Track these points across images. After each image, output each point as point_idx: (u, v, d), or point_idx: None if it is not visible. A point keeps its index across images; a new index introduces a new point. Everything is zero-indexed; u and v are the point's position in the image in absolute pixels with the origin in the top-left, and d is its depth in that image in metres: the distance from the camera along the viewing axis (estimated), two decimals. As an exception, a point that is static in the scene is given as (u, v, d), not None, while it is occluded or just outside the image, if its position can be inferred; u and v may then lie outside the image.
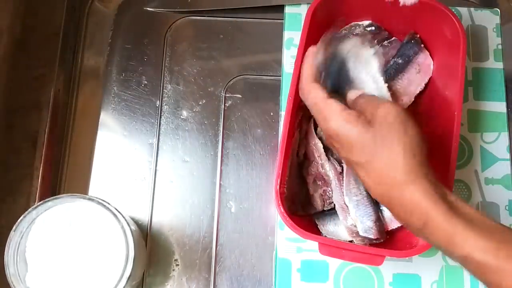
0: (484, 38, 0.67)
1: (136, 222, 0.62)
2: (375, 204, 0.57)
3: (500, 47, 0.66)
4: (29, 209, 0.50)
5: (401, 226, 0.57)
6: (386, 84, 0.52)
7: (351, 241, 0.56)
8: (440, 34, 0.60)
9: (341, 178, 0.58)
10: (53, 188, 0.64)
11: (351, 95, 0.50)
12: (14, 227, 0.49)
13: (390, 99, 0.52)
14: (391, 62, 0.62)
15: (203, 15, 0.71)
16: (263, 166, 0.65)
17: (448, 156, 0.53)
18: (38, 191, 0.62)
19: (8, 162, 0.63)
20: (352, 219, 0.56)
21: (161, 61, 0.69)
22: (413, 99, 0.62)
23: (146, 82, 0.68)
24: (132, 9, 0.71)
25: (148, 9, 0.71)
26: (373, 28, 0.64)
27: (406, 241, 0.55)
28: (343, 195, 0.57)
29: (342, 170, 0.58)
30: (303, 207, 0.59)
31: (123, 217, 0.50)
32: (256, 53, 0.69)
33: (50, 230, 0.51)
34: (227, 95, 0.67)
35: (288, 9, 0.68)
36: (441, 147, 0.54)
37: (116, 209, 0.51)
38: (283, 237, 0.60)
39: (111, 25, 0.70)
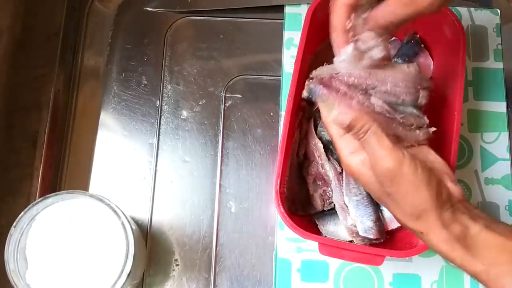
0: (484, 38, 0.67)
1: (136, 222, 0.62)
2: (375, 204, 0.57)
3: (500, 47, 0.66)
4: (30, 206, 0.50)
5: (401, 226, 0.57)
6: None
7: (351, 241, 0.56)
8: (440, 34, 0.60)
9: (341, 178, 0.58)
10: (53, 188, 0.64)
11: None
12: (14, 224, 0.49)
13: None
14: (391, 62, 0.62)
15: (203, 15, 0.71)
16: (263, 166, 0.65)
17: (448, 156, 0.53)
18: (38, 191, 0.62)
19: (8, 162, 0.63)
20: (352, 219, 0.56)
21: (161, 61, 0.69)
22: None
23: (146, 82, 0.68)
24: (132, 9, 0.71)
25: (148, 9, 0.71)
26: (373, 28, 0.64)
27: (406, 241, 0.55)
28: (343, 195, 0.57)
29: (342, 170, 0.58)
30: (303, 207, 0.59)
31: (123, 213, 0.50)
32: (256, 53, 0.69)
33: (50, 226, 0.51)
34: (227, 95, 0.67)
35: (288, 9, 0.68)
36: (441, 147, 0.54)
37: (116, 206, 0.51)
38: (283, 237, 0.60)
39: (111, 25, 0.70)
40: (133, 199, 0.64)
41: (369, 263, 0.52)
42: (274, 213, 0.62)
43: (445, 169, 0.45)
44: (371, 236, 0.55)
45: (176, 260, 0.62)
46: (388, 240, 0.57)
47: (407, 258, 0.59)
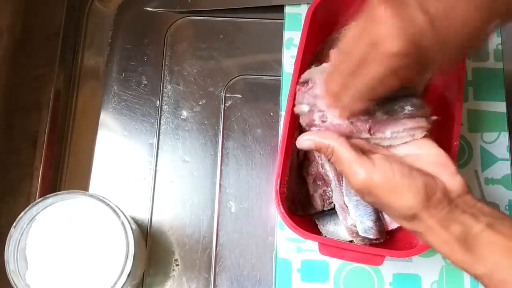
0: (484, 38, 0.67)
1: (136, 222, 0.62)
2: (375, 204, 0.57)
3: (500, 47, 0.66)
4: (30, 206, 0.50)
5: (401, 226, 0.57)
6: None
7: (351, 241, 0.56)
8: (440, 34, 0.60)
9: (340, 178, 0.58)
10: (53, 188, 0.64)
11: None
12: (14, 224, 0.49)
13: None
14: None
15: (203, 15, 0.71)
16: (263, 166, 0.65)
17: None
18: (38, 191, 0.62)
19: (8, 162, 0.63)
20: (352, 219, 0.56)
21: (161, 61, 0.69)
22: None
23: (146, 82, 0.68)
24: (132, 9, 0.71)
25: (148, 9, 0.71)
26: (373, 28, 0.64)
27: (406, 241, 0.55)
28: (343, 195, 0.57)
29: (342, 170, 0.58)
30: (303, 207, 0.59)
31: (123, 213, 0.50)
32: (256, 53, 0.69)
33: (50, 227, 0.51)
34: (227, 95, 0.67)
35: (288, 9, 0.68)
36: (441, 147, 0.54)
37: (116, 206, 0.51)
38: (283, 237, 0.60)
39: (111, 25, 0.70)
40: (133, 199, 0.64)
41: (369, 263, 0.52)
42: (274, 213, 0.62)
43: (442, 160, 0.44)
44: (371, 236, 0.55)
45: (176, 260, 0.62)
46: (388, 240, 0.57)
47: (407, 258, 0.59)
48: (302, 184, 0.60)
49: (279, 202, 0.52)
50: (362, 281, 0.58)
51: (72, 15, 0.69)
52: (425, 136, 0.46)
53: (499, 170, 0.62)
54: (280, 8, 0.68)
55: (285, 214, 0.52)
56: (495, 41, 0.66)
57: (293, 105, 0.55)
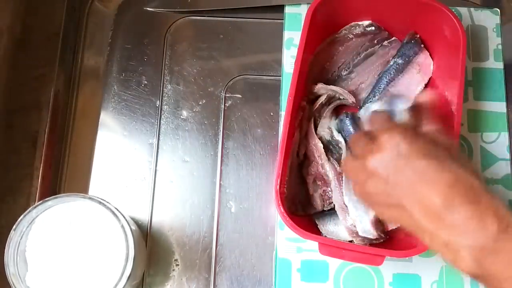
0: (484, 38, 0.67)
1: (136, 222, 0.62)
2: (375, 204, 0.57)
3: (500, 47, 0.66)
4: (29, 209, 0.50)
5: (401, 226, 0.57)
6: None
7: (351, 241, 0.56)
8: (440, 34, 0.60)
9: (340, 178, 0.58)
10: (53, 188, 0.64)
11: None
12: (14, 227, 0.49)
13: None
14: (391, 62, 0.62)
15: (203, 15, 0.71)
16: (263, 166, 0.65)
17: (448, 156, 0.53)
18: (38, 191, 0.62)
19: (8, 162, 0.63)
20: (351, 219, 0.56)
21: (161, 61, 0.69)
22: (413, 99, 0.61)
23: (146, 82, 0.68)
24: (132, 9, 0.71)
25: (148, 9, 0.71)
26: (373, 28, 0.64)
27: (406, 241, 0.55)
28: (343, 195, 0.57)
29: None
30: (303, 207, 0.59)
31: (123, 216, 0.50)
32: (256, 53, 0.69)
33: (50, 229, 0.51)
34: (227, 95, 0.67)
35: (288, 9, 0.68)
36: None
37: (116, 208, 0.51)
38: (283, 237, 0.60)
39: (111, 25, 0.70)
40: (133, 199, 0.64)
41: (369, 263, 0.52)
42: (274, 213, 0.62)
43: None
44: (371, 236, 0.55)
45: (176, 260, 0.62)
46: (388, 240, 0.57)
47: (407, 258, 0.59)
48: (302, 184, 0.60)
49: (279, 202, 0.52)
50: (362, 281, 0.58)
51: (72, 15, 0.69)
52: None
53: (499, 170, 0.62)
54: (280, 8, 0.68)
55: (285, 214, 0.52)
56: (495, 41, 0.67)
57: (293, 106, 0.55)
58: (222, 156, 0.65)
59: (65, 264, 0.50)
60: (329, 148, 0.60)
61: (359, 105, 0.63)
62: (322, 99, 0.60)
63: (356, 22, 0.64)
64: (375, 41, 0.64)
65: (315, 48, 0.63)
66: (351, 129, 0.59)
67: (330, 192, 0.58)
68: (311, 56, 0.62)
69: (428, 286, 0.58)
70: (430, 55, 0.63)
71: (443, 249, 0.41)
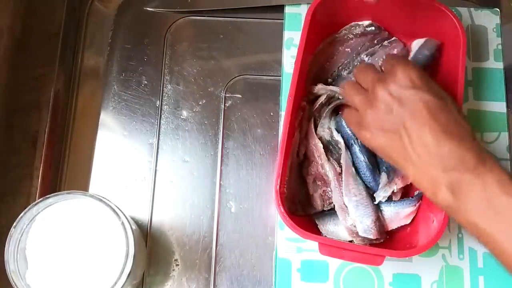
0: (484, 38, 0.67)
1: (136, 222, 0.62)
2: (375, 204, 0.57)
3: (500, 47, 0.66)
4: (30, 206, 0.50)
5: (401, 226, 0.57)
6: None
7: (351, 241, 0.56)
8: (440, 34, 0.60)
9: (340, 179, 0.58)
10: (53, 188, 0.64)
11: None
12: (14, 224, 0.49)
13: None
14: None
15: (203, 15, 0.71)
16: (263, 166, 0.65)
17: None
18: (38, 191, 0.62)
19: (8, 162, 0.63)
20: (351, 219, 0.56)
21: (161, 61, 0.69)
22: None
23: (146, 82, 0.68)
24: (132, 9, 0.71)
25: (148, 9, 0.71)
26: (373, 28, 0.64)
27: (406, 241, 0.55)
28: (343, 195, 0.57)
29: (341, 170, 0.58)
30: (303, 207, 0.59)
31: (123, 214, 0.50)
32: (256, 53, 0.69)
33: (51, 227, 0.51)
34: (227, 95, 0.67)
35: (288, 9, 0.68)
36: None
37: (116, 206, 0.51)
38: (283, 237, 0.60)
39: (111, 25, 0.70)
40: (133, 199, 0.64)
41: (369, 263, 0.52)
42: (274, 213, 0.62)
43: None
44: (371, 236, 0.55)
45: (176, 260, 0.62)
46: (388, 240, 0.57)
47: (407, 258, 0.59)
48: (302, 184, 0.60)
49: (279, 202, 0.52)
50: (362, 281, 0.58)
51: (72, 15, 0.69)
52: None
53: (499, 170, 0.62)
54: (280, 8, 0.68)
55: (285, 214, 0.52)
56: (495, 41, 0.66)
57: (293, 106, 0.55)
58: (222, 156, 0.65)
59: (65, 261, 0.50)
60: (329, 148, 0.60)
61: (359, 105, 0.63)
62: (322, 99, 0.60)
63: (356, 22, 0.64)
64: (375, 41, 0.64)
65: (315, 48, 0.63)
66: (348, 130, 0.58)
67: (330, 192, 0.58)
68: (311, 56, 0.62)
69: (428, 286, 0.58)
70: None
71: (424, 181, 0.46)
